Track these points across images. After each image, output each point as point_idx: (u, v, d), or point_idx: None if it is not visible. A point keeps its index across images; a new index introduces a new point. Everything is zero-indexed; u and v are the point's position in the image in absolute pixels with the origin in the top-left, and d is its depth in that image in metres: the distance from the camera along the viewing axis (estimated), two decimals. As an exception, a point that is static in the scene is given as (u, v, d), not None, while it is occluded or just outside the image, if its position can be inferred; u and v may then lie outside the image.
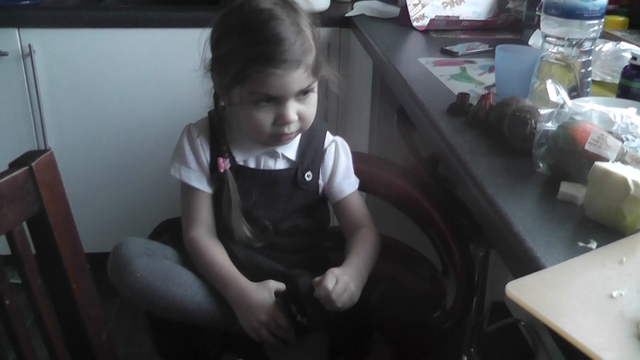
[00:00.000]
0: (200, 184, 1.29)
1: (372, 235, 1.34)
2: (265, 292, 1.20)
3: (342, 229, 1.40)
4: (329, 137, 1.37)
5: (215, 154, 1.28)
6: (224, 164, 1.27)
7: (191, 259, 1.26)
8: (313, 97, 1.24)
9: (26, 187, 0.86)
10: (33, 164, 0.86)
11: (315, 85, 1.23)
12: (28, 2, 2.25)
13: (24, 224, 0.88)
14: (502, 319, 2.21)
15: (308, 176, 1.32)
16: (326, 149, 1.35)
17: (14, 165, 0.86)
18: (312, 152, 1.33)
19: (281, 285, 1.21)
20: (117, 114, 2.35)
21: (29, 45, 2.19)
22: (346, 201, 1.37)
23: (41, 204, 0.88)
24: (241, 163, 1.30)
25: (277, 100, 1.19)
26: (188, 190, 1.30)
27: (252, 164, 1.30)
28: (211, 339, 1.33)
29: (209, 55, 1.24)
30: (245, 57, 1.15)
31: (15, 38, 2.18)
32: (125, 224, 2.51)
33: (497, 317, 2.19)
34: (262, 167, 1.31)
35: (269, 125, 1.21)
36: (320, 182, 1.35)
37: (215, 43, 1.22)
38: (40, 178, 0.87)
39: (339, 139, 1.39)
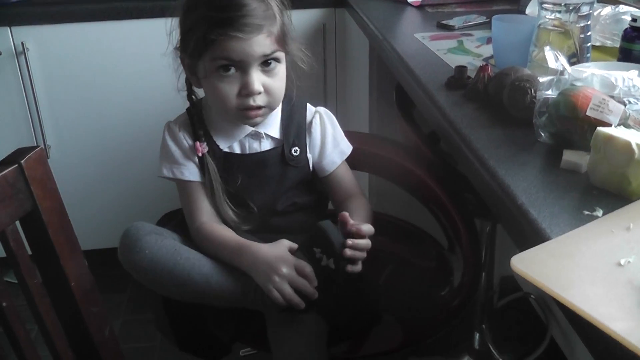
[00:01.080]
0: (193, 175, 1.28)
1: (365, 203, 1.35)
2: (280, 247, 1.17)
3: (332, 200, 1.39)
4: (310, 109, 1.36)
5: (195, 139, 1.28)
6: (201, 148, 1.27)
7: (201, 247, 1.25)
8: (280, 70, 1.22)
9: (17, 185, 0.84)
10: (22, 161, 0.84)
11: (282, 57, 1.22)
12: (18, -1, 2.23)
13: (17, 223, 0.86)
14: (512, 293, 2.20)
15: (295, 151, 1.31)
16: (311, 122, 1.34)
17: (3, 163, 0.84)
18: (295, 127, 1.32)
19: (295, 245, 1.18)
20: (115, 108, 2.34)
21: (22, 43, 2.17)
22: (337, 171, 1.36)
23: (33, 201, 0.86)
24: (227, 150, 1.29)
25: (241, 69, 1.18)
26: (184, 185, 1.30)
27: (237, 149, 1.30)
28: (221, 328, 1.31)
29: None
30: (207, 23, 1.15)
31: (7, 36, 2.17)
32: (125, 220, 2.47)
33: (507, 291, 2.18)
34: (247, 151, 1.30)
35: (233, 97, 1.20)
36: (309, 155, 1.34)
37: (182, 20, 1.23)
38: (31, 175, 0.86)
39: (321, 109, 1.37)
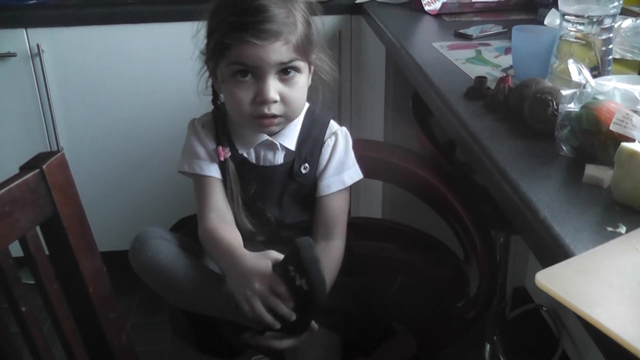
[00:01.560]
0: (211, 171, 1.27)
1: (339, 251, 1.29)
2: (263, 260, 1.11)
3: (314, 225, 1.32)
4: (331, 127, 1.31)
5: (218, 143, 1.28)
6: (223, 153, 1.26)
7: (204, 246, 1.24)
8: (299, 80, 1.20)
9: (38, 190, 0.84)
10: (44, 166, 0.84)
11: (302, 67, 1.20)
12: (34, 1, 2.23)
13: (37, 228, 0.86)
14: (524, 305, 2.20)
15: (305, 168, 1.28)
16: (325, 142, 1.30)
17: (25, 168, 0.84)
18: (311, 143, 1.29)
19: (282, 256, 1.12)
20: (129, 111, 2.34)
21: (37, 45, 2.18)
22: (329, 199, 1.29)
23: (54, 206, 0.86)
24: (245, 155, 1.28)
25: (257, 75, 1.16)
26: (200, 181, 1.29)
27: (252, 158, 1.28)
28: (234, 336, 1.31)
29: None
30: (226, 27, 1.14)
31: (23, 38, 2.17)
32: (139, 221, 2.50)
33: (519, 303, 2.17)
34: (261, 162, 1.28)
35: (248, 103, 1.18)
36: (318, 174, 1.31)
37: (208, 24, 1.22)
38: (52, 180, 0.86)
39: (341, 132, 1.32)
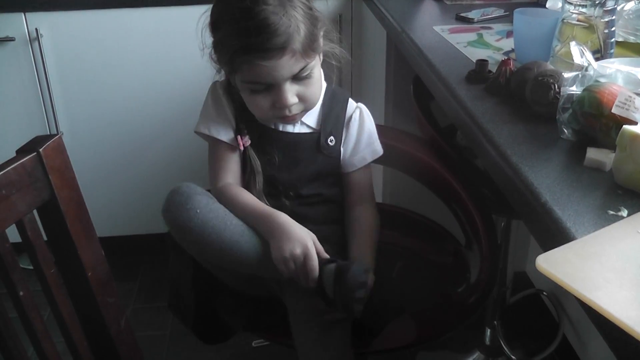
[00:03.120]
0: (227, 136, 1.27)
1: (372, 222, 1.33)
2: (307, 233, 1.18)
3: (345, 199, 1.36)
4: (351, 104, 1.35)
5: (238, 115, 1.27)
6: (242, 141, 1.26)
7: (226, 206, 1.22)
8: (314, 75, 1.21)
9: (35, 173, 0.84)
10: (41, 149, 0.84)
11: (313, 64, 1.20)
12: (33, -15, 2.21)
13: (35, 211, 0.85)
14: (524, 289, 2.20)
15: (331, 141, 1.31)
16: (351, 116, 1.34)
17: (22, 151, 0.84)
18: (334, 118, 1.32)
19: (319, 245, 1.19)
20: (129, 96, 2.33)
21: (36, 29, 2.16)
22: (361, 171, 1.35)
23: (51, 190, 0.86)
24: (263, 122, 1.29)
25: (272, 86, 1.18)
26: (216, 144, 1.29)
27: (272, 125, 1.29)
28: (235, 316, 1.31)
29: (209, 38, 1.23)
30: (231, 49, 1.14)
31: (21, 22, 2.16)
32: (138, 207, 2.51)
33: (519, 288, 2.17)
34: (280, 128, 1.29)
35: (268, 109, 1.21)
36: (342, 148, 1.33)
37: (212, 29, 1.21)
38: (50, 164, 0.85)
39: (362, 106, 1.36)
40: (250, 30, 1.11)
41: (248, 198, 1.24)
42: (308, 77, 1.20)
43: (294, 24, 1.14)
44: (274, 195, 1.29)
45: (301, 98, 1.21)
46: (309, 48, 1.17)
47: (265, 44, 1.11)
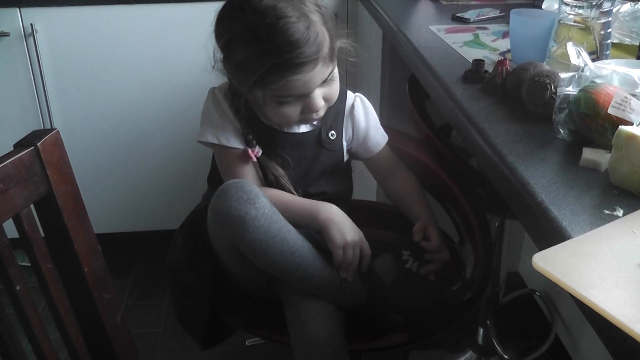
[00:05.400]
0: (238, 142, 1.27)
1: (410, 181, 1.40)
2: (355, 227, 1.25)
3: (376, 179, 1.44)
4: (350, 95, 1.37)
5: (244, 124, 1.27)
6: (254, 153, 1.26)
7: None
8: (335, 75, 1.23)
9: (32, 168, 0.83)
10: (39, 144, 0.84)
11: (335, 65, 1.22)
12: (28, -20, 2.21)
13: (32, 206, 0.85)
14: (517, 289, 2.20)
15: (332, 135, 1.32)
16: (353, 106, 1.36)
17: (19, 145, 0.83)
18: (333, 112, 1.33)
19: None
20: (124, 91, 2.33)
21: (31, 25, 2.16)
22: (382, 152, 1.40)
23: (49, 184, 0.85)
24: (269, 124, 1.29)
25: (303, 95, 1.19)
26: (229, 154, 1.28)
27: (277, 127, 1.30)
28: (232, 314, 1.31)
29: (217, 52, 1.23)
30: (261, 68, 1.13)
31: (16, 17, 2.15)
32: (132, 204, 2.51)
33: (512, 288, 2.18)
34: (286, 130, 1.30)
35: (297, 116, 1.22)
36: (344, 142, 1.35)
37: (225, 48, 1.19)
38: (47, 158, 0.85)
39: (360, 95, 1.39)
40: (281, 47, 1.10)
41: (289, 196, 1.27)
42: (332, 78, 1.21)
43: (320, 31, 1.15)
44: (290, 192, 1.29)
45: (326, 99, 1.23)
46: (333, 51, 1.18)
47: (299, 57, 1.11)
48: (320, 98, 1.20)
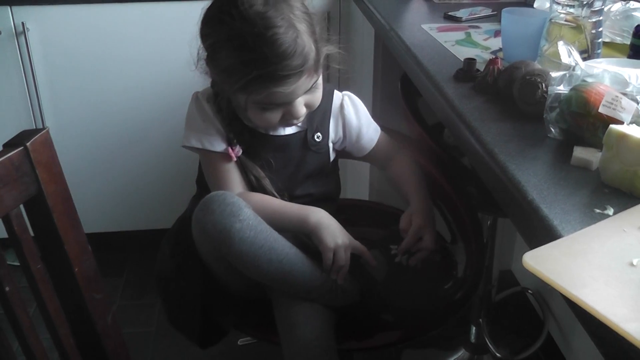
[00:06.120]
0: (222, 147, 1.26)
1: (405, 160, 1.41)
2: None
3: (376, 166, 1.46)
4: (337, 94, 1.37)
5: (227, 126, 1.26)
6: (234, 152, 1.26)
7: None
8: (319, 82, 1.22)
9: (22, 168, 0.83)
10: (28, 143, 0.83)
11: (319, 74, 1.21)
12: (19, -22, 2.20)
13: (21, 206, 0.85)
14: (510, 288, 2.21)
15: (318, 137, 1.32)
16: (342, 106, 1.35)
17: (9, 145, 0.83)
18: (320, 114, 1.32)
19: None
20: (116, 90, 2.32)
21: (22, 23, 2.15)
22: (377, 146, 1.41)
23: (38, 185, 0.85)
24: (253, 127, 1.29)
25: (285, 103, 1.18)
26: (213, 158, 1.27)
27: (262, 130, 1.29)
28: (225, 315, 1.31)
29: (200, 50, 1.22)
30: (245, 77, 1.12)
31: (7, 16, 2.14)
32: (126, 202, 2.50)
33: (505, 286, 2.18)
34: (271, 133, 1.30)
35: (277, 121, 1.22)
36: (331, 143, 1.35)
37: (210, 49, 1.18)
38: (37, 158, 0.84)
39: (348, 93, 1.39)
40: (267, 58, 1.10)
41: (276, 201, 1.26)
42: (316, 86, 1.21)
43: (307, 42, 1.14)
44: (272, 195, 1.29)
45: (308, 105, 1.22)
46: (318, 62, 1.18)
47: (284, 70, 1.11)
48: (302, 106, 1.20)
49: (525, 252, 0.73)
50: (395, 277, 1.24)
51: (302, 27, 1.14)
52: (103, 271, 0.96)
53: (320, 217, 1.22)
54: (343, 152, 1.41)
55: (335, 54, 1.26)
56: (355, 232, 1.25)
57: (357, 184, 2.28)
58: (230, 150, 1.25)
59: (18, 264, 0.87)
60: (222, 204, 1.12)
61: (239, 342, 1.96)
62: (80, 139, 2.37)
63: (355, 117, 1.36)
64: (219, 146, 1.26)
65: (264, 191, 1.27)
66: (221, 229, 1.11)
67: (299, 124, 1.30)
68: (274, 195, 1.28)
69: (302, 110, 1.21)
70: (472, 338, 1.97)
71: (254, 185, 1.27)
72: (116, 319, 1.00)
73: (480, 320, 1.92)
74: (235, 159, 1.26)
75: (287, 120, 1.23)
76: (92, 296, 0.93)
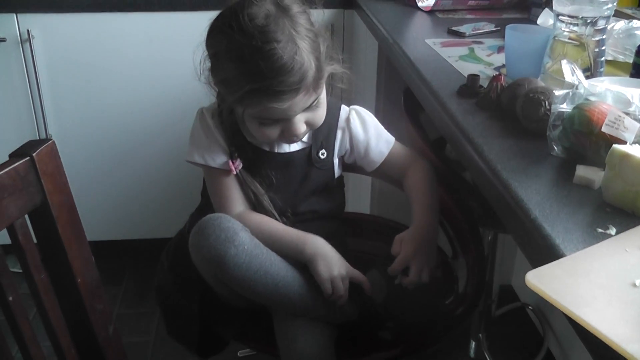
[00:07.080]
0: (226, 164, 1.26)
1: (421, 173, 1.35)
2: (341, 258, 1.23)
3: (390, 181, 1.43)
4: (344, 109, 1.36)
5: (229, 140, 1.26)
6: (235, 166, 1.25)
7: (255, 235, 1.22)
8: (321, 100, 1.21)
9: (28, 178, 0.83)
10: (34, 154, 0.84)
11: (321, 91, 1.20)
12: (25, -14, 2.21)
13: (26, 216, 0.85)
14: (510, 303, 2.21)
15: (322, 154, 1.31)
16: (349, 120, 1.34)
17: (15, 155, 0.83)
18: (325, 130, 1.31)
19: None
20: (119, 99, 2.33)
21: (28, 31, 2.16)
22: (389, 158, 1.37)
23: (43, 195, 0.85)
24: (256, 143, 1.28)
25: (283, 119, 1.17)
26: (216, 174, 1.28)
27: (266, 147, 1.29)
28: (226, 326, 1.31)
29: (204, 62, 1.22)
30: (241, 90, 1.12)
31: (13, 23, 2.15)
32: (127, 211, 2.50)
33: (505, 301, 2.18)
34: (276, 150, 1.29)
35: (276, 137, 1.21)
36: (336, 159, 1.34)
37: (212, 61, 1.19)
38: (42, 168, 0.85)
39: (356, 107, 1.37)
40: (263, 72, 1.09)
41: (275, 225, 1.25)
42: (317, 104, 1.20)
43: (307, 59, 1.12)
44: (271, 215, 1.29)
45: (309, 124, 1.21)
46: (319, 79, 1.16)
47: (280, 86, 1.10)
48: (301, 123, 1.19)
49: (526, 268, 0.73)
50: (394, 294, 1.24)
51: (304, 43, 1.13)
52: (102, 279, 0.96)
53: (317, 248, 1.21)
54: (354, 167, 1.41)
55: (341, 74, 1.26)
56: (358, 245, 1.25)
57: (358, 197, 2.28)
58: (230, 163, 1.25)
59: (19, 270, 0.87)
60: (217, 229, 1.13)
61: (238, 354, 1.96)
62: (83, 147, 2.37)
63: (363, 130, 1.34)
64: (221, 161, 1.26)
65: (263, 208, 1.27)
66: (215, 254, 1.12)
67: (304, 140, 1.30)
68: (272, 214, 1.27)
69: (302, 128, 1.19)
70: (472, 353, 1.97)
71: (252, 202, 1.27)
72: (118, 330, 1.00)
73: (480, 335, 1.92)
74: (235, 172, 1.25)
75: (286, 137, 1.21)
76: (94, 307, 0.94)
